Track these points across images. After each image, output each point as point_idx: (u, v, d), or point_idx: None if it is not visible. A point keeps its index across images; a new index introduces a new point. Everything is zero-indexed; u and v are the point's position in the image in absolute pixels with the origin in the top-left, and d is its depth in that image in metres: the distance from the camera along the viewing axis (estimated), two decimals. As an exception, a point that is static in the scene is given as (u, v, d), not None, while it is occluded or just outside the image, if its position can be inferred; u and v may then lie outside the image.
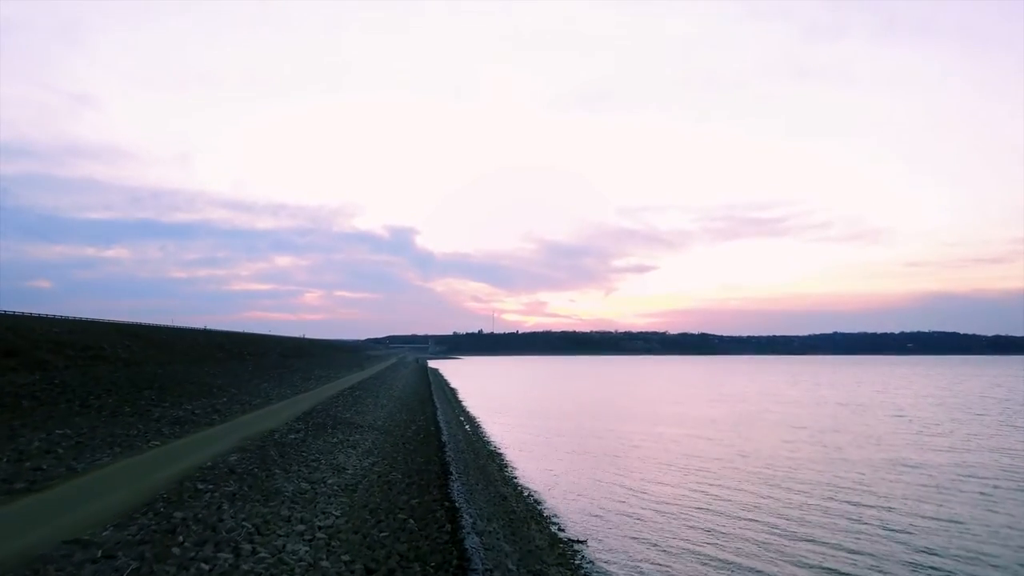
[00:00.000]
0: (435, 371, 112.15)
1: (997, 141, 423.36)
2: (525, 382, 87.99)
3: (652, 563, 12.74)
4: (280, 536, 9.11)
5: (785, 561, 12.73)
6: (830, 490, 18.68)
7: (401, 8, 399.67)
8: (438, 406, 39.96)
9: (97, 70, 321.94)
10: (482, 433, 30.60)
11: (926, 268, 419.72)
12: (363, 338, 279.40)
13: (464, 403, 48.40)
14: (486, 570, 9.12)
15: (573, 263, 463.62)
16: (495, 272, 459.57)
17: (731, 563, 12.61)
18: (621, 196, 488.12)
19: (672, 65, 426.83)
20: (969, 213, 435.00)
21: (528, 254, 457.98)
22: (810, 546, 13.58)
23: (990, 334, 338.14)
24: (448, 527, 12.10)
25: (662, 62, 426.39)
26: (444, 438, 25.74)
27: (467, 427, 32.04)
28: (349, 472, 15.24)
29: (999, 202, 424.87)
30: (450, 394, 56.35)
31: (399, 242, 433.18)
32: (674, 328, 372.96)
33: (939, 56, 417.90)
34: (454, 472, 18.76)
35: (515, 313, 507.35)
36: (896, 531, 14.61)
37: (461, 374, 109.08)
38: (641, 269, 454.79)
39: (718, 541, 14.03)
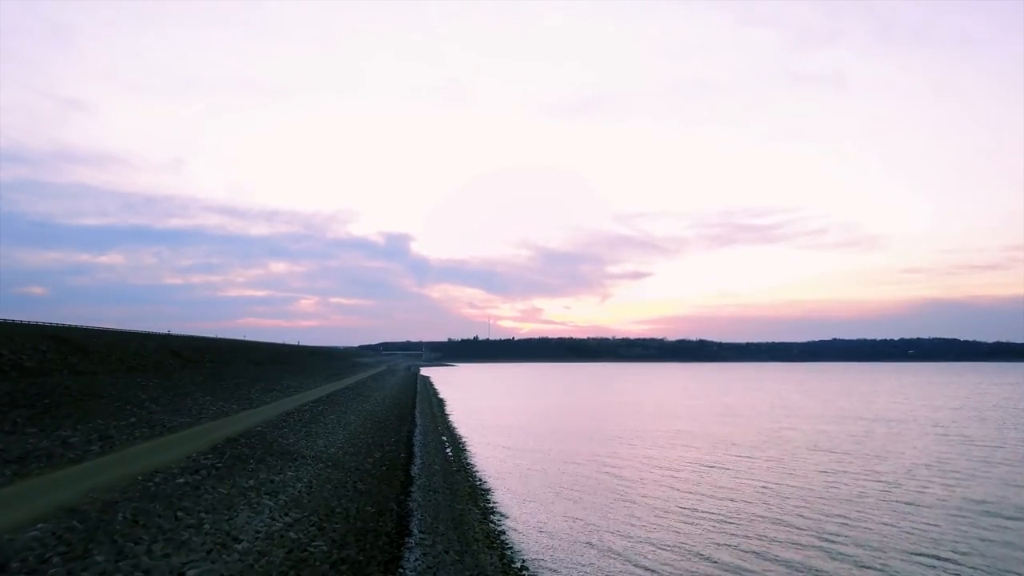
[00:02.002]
0: (425, 379, 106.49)
1: (991, 148, 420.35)
2: (520, 392, 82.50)
3: None
4: None
5: None
6: (927, 562, 13.35)
7: (396, 15, 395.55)
8: (418, 423, 34.58)
9: (90, 75, 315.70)
10: (466, 459, 25.10)
11: (922, 275, 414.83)
12: (357, 345, 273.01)
13: (451, 417, 42.89)
14: None
15: (568, 269, 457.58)
16: (490, 278, 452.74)
17: None
18: (616, 202, 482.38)
19: (667, 71, 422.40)
20: (964, 220, 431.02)
21: (523, 260, 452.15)
22: None
23: (987, 340, 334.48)
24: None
25: (657, 68, 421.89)
26: (415, 470, 20.37)
27: (449, 451, 26.58)
28: (240, 546, 9.83)
29: (994, 209, 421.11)
30: (437, 406, 50.81)
31: (394, 248, 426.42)
32: (670, 335, 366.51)
33: (934, 63, 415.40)
34: (416, 530, 13.37)
35: (510, 320, 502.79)
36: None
37: (453, 383, 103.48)
38: (637, 275, 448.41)
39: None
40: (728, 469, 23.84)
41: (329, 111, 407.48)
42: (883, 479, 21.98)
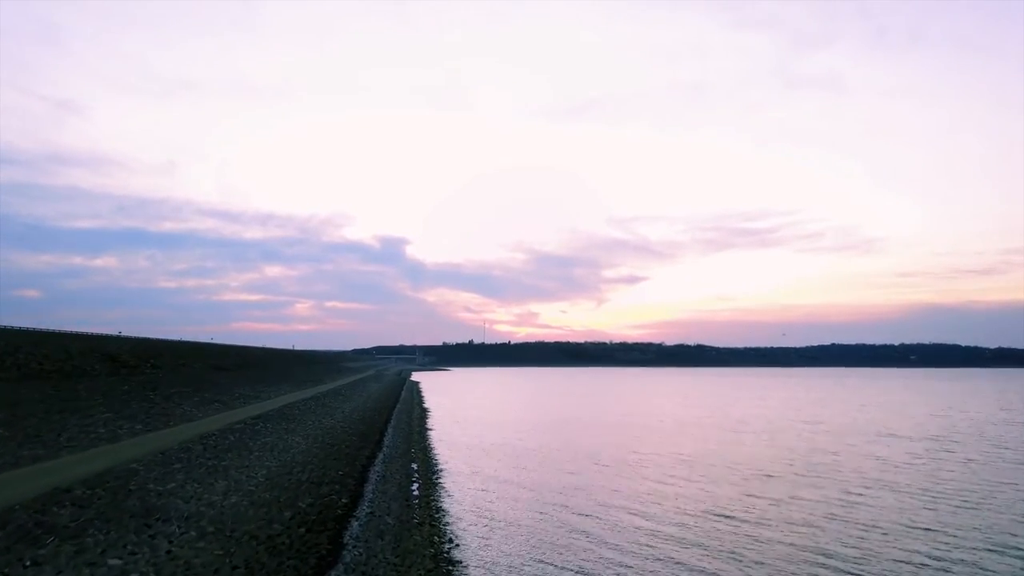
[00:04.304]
0: (414, 385, 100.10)
1: (987, 151, 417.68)
2: (514, 400, 76.15)
3: None
4: None
5: None
6: None
7: (390, 18, 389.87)
8: (386, 444, 28.26)
9: (83, 77, 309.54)
10: (436, 502, 18.54)
11: (918, 279, 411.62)
12: (351, 349, 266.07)
13: (431, 433, 36.53)
14: None
15: (564, 273, 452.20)
16: (486, 282, 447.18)
17: None
18: (611, 206, 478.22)
19: (663, 74, 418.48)
20: (960, 223, 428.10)
21: (519, 264, 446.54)
22: None
23: (986, 345, 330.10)
24: None
25: (653, 71, 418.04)
26: (354, 528, 14.01)
27: (416, 487, 20.20)
28: None
29: (990, 213, 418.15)
30: (418, 419, 44.43)
31: (390, 252, 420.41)
32: (666, 339, 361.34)
33: (930, 66, 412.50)
34: None
35: (506, 324, 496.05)
36: None
37: (442, 389, 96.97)
38: (632, 280, 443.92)
39: None
40: (770, 523, 16.71)
41: (324, 114, 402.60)
42: (1004, 541, 15.63)
